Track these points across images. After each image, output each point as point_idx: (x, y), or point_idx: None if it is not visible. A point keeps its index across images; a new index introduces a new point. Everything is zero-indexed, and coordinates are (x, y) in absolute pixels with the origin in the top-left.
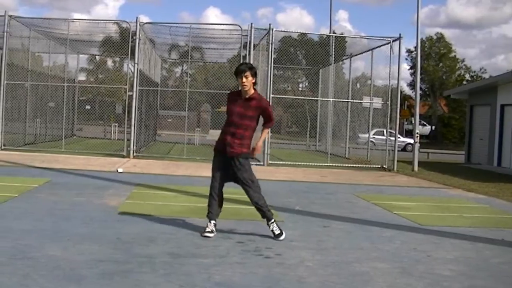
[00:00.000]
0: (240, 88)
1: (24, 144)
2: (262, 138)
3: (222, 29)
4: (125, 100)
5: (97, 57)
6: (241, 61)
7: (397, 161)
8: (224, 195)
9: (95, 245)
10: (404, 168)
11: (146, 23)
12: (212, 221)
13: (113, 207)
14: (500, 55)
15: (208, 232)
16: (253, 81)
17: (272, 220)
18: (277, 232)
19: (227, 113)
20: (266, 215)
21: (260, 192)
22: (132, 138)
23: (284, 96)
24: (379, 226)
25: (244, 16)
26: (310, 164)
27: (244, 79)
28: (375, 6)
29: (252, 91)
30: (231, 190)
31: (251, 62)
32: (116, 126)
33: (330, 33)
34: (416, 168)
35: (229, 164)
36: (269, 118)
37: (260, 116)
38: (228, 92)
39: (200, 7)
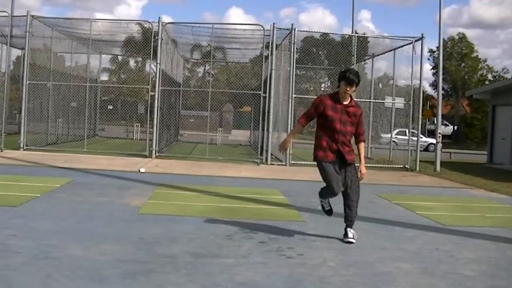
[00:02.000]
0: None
1: (46, 144)
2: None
3: (245, 29)
4: (147, 100)
5: (119, 57)
6: (263, 61)
7: (420, 161)
8: (246, 195)
9: (117, 245)
10: (426, 168)
11: (169, 23)
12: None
13: (135, 207)
14: None
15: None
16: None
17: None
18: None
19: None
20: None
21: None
22: (154, 138)
23: (306, 96)
24: (401, 226)
25: (267, 16)
26: None
27: (348, 88)
28: (398, 6)
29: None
30: (253, 190)
31: (273, 62)
32: (138, 126)
33: (352, 33)
34: (438, 168)
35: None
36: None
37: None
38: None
39: (223, 7)
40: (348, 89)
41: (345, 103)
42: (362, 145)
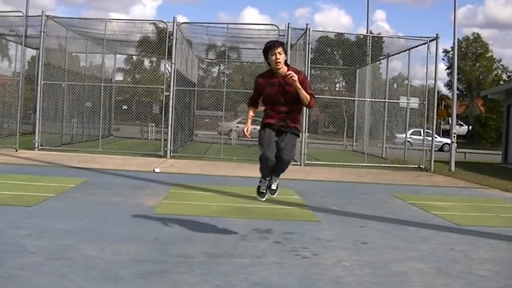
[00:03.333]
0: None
1: (61, 144)
2: None
3: (259, 29)
4: (162, 100)
5: (134, 57)
6: None
7: (434, 161)
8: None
9: (132, 245)
10: (441, 168)
11: (183, 23)
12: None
13: (150, 207)
14: None
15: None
16: (285, 58)
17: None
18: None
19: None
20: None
21: None
22: (169, 138)
23: (321, 96)
24: (416, 226)
25: (282, 16)
26: (347, 164)
27: (278, 56)
28: (414, 6)
29: (286, 68)
30: None
31: (289, 62)
32: (153, 126)
33: (367, 33)
34: (453, 168)
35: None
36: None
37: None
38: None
39: (238, 7)
40: (274, 55)
41: (282, 74)
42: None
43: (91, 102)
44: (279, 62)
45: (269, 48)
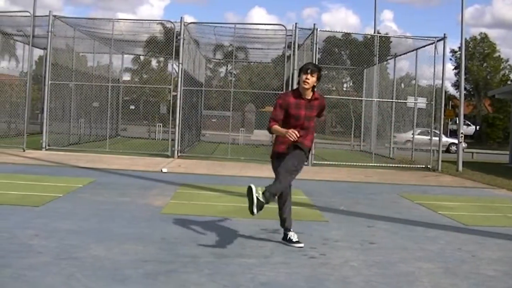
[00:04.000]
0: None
1: (68, 144)
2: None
3: (267, 29)
4: (170, 100)
5: (141, 57)
6: (286, 61)
7: (442, 161)
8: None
9: (139, 245)
10: (448, 168)
11: (191, 23)
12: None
13: (157, 207)
14: None
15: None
16: (315, 84)
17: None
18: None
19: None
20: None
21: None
22: (176, 138)
23: (328, 96)
24: (423, 226)
25: (290, 16)
26: (355, 164)
27: (309, 76)
28: (421, 6)
29: (311, 93)
30: None
31: (295, 62)
32: (160, 126)
33: (374, 33)
34: (460, 168)
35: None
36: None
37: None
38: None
39: (246, 7)
40: (305, 77)
41: (308, 97)
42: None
43: (99, 102)
44: (307, 83)
45: (305, 69)
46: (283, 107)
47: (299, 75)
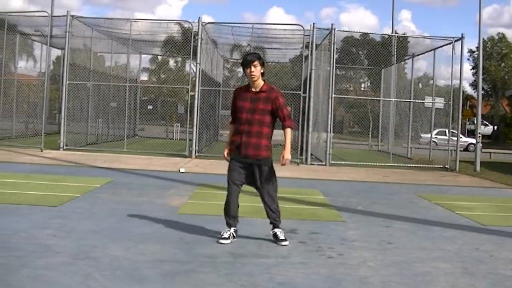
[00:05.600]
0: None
1: (86, 144)
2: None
3: (285, 29)
4: (187, 100)
5: (159, 57)
6: (303, 61)
7: (459, 161)
8: (286, 195)
9: (157, 245)
10: (466, 168)
11: (208, 23)
12: (233, 228)
13: (175, 207)
14: None
15: (225, 238)
16: (262, 71)
17: (279, 228)
18: (281, 237)
19: (236, 110)
20: (275, 219)
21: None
22: (194, 138)
23: (346, 96)
24: (441, 226)
25: (308, 16)
26: (372, 164)
27: (252, 68)
28: (439, 5)
29: (262, 82)
30: (293, 190)
31: (313, 62)
32: (178, 126)
33: (392, 33)
34: (478, 168)
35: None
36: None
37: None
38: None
39: (264, 7)
40: (247, 71)
41: (255, 90)
42: (287, 131)
43: (116, 102)
44: (254, 75)
45: (244, 62)
46: (233, 101)
47: (244, 71)
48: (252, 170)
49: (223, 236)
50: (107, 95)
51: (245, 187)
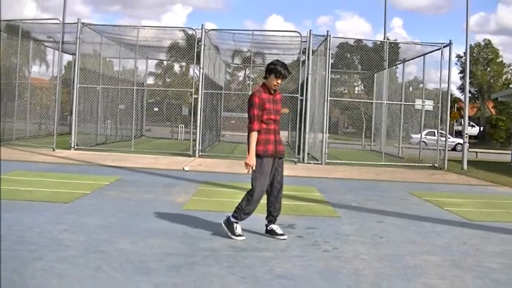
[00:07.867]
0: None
1: (95, 144)
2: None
3: (283, 36)
4: (191, 102)
5: (164, 62)
6: (300, 66)
7: (448, 160)
8: (284, 192)
9: (163, 239)
10: (454, 166)
11: (211, 30)
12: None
13: (179, 204)
14: None
15: (240, 235)
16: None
17: (275, 224)
18: (279, 232)
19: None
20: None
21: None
22: (197, 138)
23: (341, 99)
24: (431, 222)
25: (305, 24)
26: (366, 163)
27: (280, 80)
28: (429, 13)
29: None
30: (290, 187)
31: (310, 66)
32: (182, 127)
33: (384, 39)
34: (465, 166)
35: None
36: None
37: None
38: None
39: (264, 15)
40: (278, 82)
41: (273, 93)
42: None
43: (124, 104)
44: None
45: (278, 74)
46: (260, 104)
47: (267, 77)
48: (274, 165)
49: (238, 233)
50: (115, 98)
51: (238, 184)
